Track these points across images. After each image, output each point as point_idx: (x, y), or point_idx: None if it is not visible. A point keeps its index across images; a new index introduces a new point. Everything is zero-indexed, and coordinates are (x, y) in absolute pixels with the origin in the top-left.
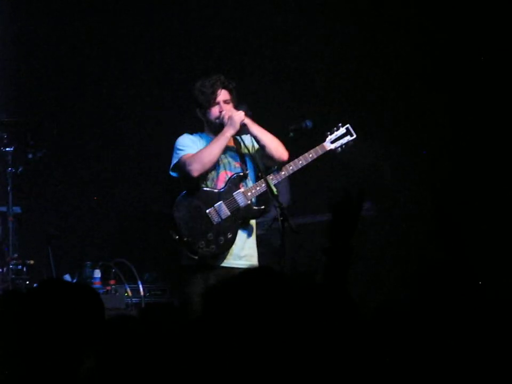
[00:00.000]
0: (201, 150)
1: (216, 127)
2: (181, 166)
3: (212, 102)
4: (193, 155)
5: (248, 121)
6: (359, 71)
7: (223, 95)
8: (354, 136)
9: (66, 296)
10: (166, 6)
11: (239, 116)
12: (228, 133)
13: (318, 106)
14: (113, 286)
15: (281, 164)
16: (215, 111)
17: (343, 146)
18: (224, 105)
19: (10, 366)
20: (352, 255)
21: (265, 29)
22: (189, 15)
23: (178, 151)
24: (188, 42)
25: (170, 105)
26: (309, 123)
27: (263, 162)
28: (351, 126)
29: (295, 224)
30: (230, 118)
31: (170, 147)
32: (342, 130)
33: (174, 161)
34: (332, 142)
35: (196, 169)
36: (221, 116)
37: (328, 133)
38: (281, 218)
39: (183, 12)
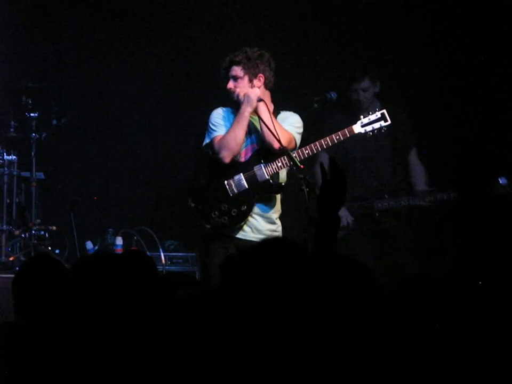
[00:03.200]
0: (226, 134)
1: (236, 103)
2: (212, 149)
3: (225, 77)
4: (221, 139)
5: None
6: (388, 45)
7: (232, 71)
8: (389, 122)
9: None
10: None
11: (255, 93)
12: (246, 111)
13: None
14: None
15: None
16: (228, 86)
17: (375, 131)
18: (231, 82)
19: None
20: (338, 226)
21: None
22: None
23: (211, 130)
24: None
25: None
26: (333, 94)
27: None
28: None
29: None
30: (245, 95)
31: (201, 119)
32: (377, 115)
33: (207, 140)
34: (363, 126)
35: (225, 156)
36: (236, 94)
37: (362, 116)
38: (307, 189)
39: None
